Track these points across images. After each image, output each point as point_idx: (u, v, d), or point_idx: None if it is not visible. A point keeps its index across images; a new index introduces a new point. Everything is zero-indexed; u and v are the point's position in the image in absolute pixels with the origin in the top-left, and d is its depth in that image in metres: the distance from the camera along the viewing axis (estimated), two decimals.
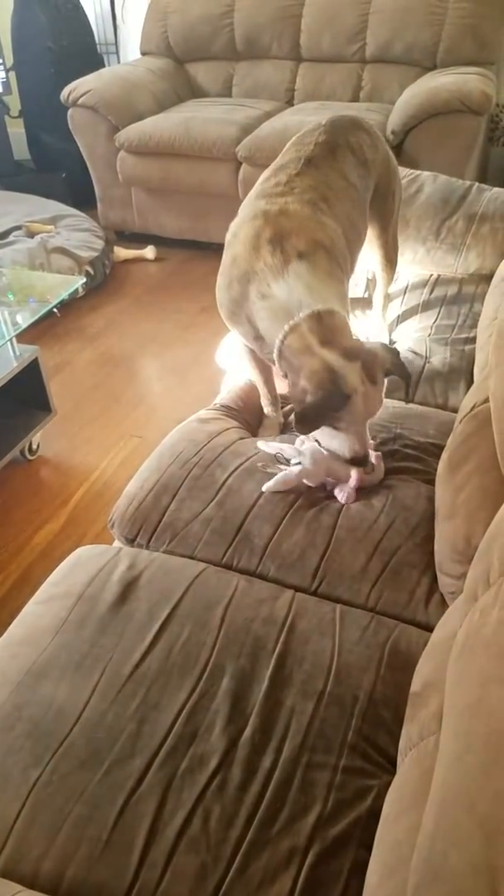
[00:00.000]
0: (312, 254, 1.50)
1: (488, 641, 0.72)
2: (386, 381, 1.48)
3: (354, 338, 1.46)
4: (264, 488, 1.47)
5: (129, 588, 1.28)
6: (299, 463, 1.50)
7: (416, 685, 1.07)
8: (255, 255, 1.51)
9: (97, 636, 1.19)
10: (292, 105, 3.96)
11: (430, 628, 1.25)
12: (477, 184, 2.45)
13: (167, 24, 4.13)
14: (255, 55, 4.06)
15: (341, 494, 1.48)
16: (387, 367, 1.45)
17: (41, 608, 1.27)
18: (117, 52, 4.73)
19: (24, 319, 2.33)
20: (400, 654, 1.19)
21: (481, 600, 0.78)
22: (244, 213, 1.62)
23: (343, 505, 1.47)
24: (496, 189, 2.42)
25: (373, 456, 1.54)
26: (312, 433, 1.49)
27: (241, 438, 1.67)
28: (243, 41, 4.02)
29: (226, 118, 3.66)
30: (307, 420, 1.40)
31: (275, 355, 1.50)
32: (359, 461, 1.47)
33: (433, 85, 3.32)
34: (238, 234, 1.57)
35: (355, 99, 3.89)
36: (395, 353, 1.48)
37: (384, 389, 1.48)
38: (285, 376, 1.52)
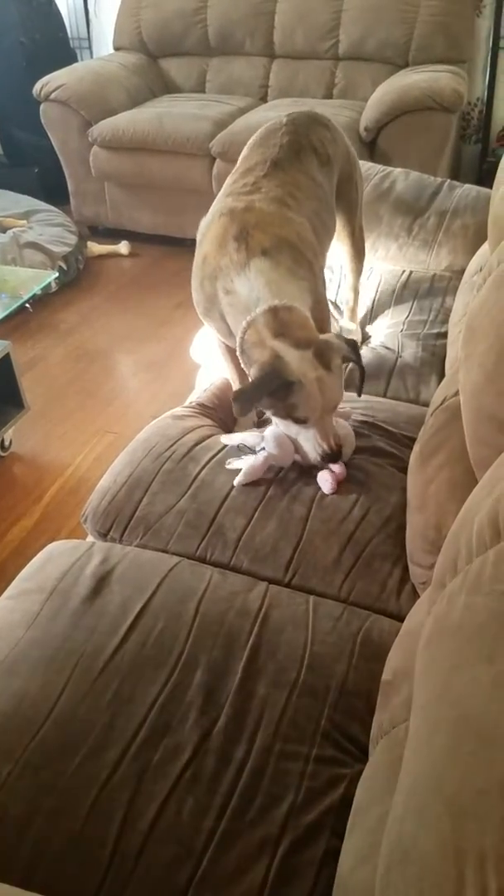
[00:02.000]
0: (276, 250, 1.51)
1: (455, 627, 0.73)
2: (346, 369, 1.49)
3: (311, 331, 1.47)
4: (235, 483, 1.48)
5: (102, 582, 1.28)
6: (263, 449, 1.50)
7: (387, 674, 1.08)
8: (221, 251, 1.52)
9: (70, 630, 1.19)
10: (266, 101, 3.97)
11: (401, 618, 1.26)
12: (448, 181, 2.47)
13: (140, 20, 4.12)
14: (229, 51, 4.06)
15: (325, 485, 1.48)
16: (343, 353, 1.47)
17: (12, 603, 1.26)
18: (90, 47, 4.71)
19: None
20: (372, 644, 1.20)
21: (449, 587, 0.79)
22: (212, 212, 1.63)
23: (316, 495, 1.47)
24: (467, 185, 2.45)
25: (340, 428, 1.55)
26: (280, 426, 1.50)
27: (214, 434, 1.67)
28: (217, 37, 4.02)
29: (199, 114, 3.65)
30: (242, 398, 1.41)
31: (238, 352, 1.51)
32: (329, 458, 1.48)
33: (405, 82, 3.34)
34: (207, 232, 1.59)
35: (328, 96, 3.90)
36: (352, 343, 1.49)
37: (343, 377, 1.49)
38: (247, 372, 1.53)
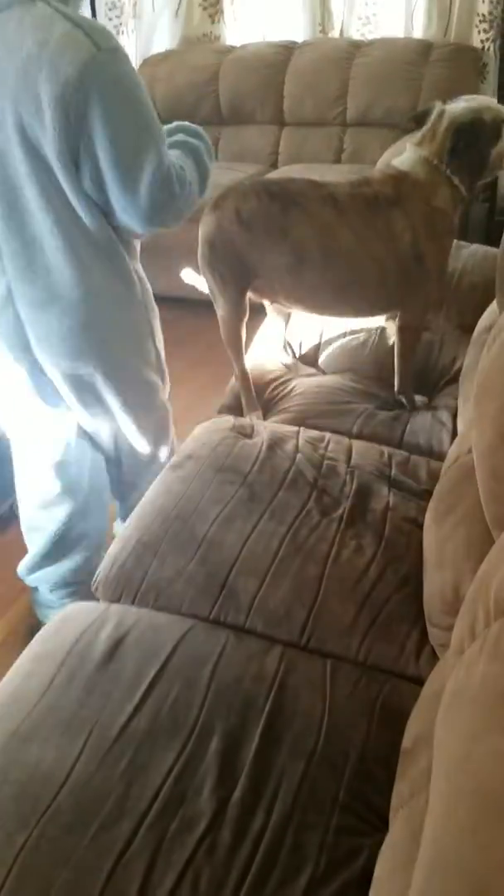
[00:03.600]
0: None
1: (474, 696, 0.72)
2: None
3: None
4: None
5: (116, 646, 1.27)
6: None
7: (406, 741, 1.06)
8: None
9: (84, 697, 1.18)
10: (276, 167, 4.08)
11: (421, 682, 1.24)
12: (456, 240, 2.51)
13: (154, 92, 4.27)
14: (240, 120, 4.20)
15: None
16: None
17: (28, 667, 1.26)
18: None
19: None
20: (391, 710, 1.18)
21: (467, 653, 0.79)
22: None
23: (330, 552, 1.45)
24: (474, 245, 2.49)
25: None
26: None
27: (219, 471, 1.66)
28: (228, 107, 4.16)
29: (213, 181, 3.71)
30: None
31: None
32: None
33: None
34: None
35: (337, 161, 4.00)
36: None
37: None
38: None
